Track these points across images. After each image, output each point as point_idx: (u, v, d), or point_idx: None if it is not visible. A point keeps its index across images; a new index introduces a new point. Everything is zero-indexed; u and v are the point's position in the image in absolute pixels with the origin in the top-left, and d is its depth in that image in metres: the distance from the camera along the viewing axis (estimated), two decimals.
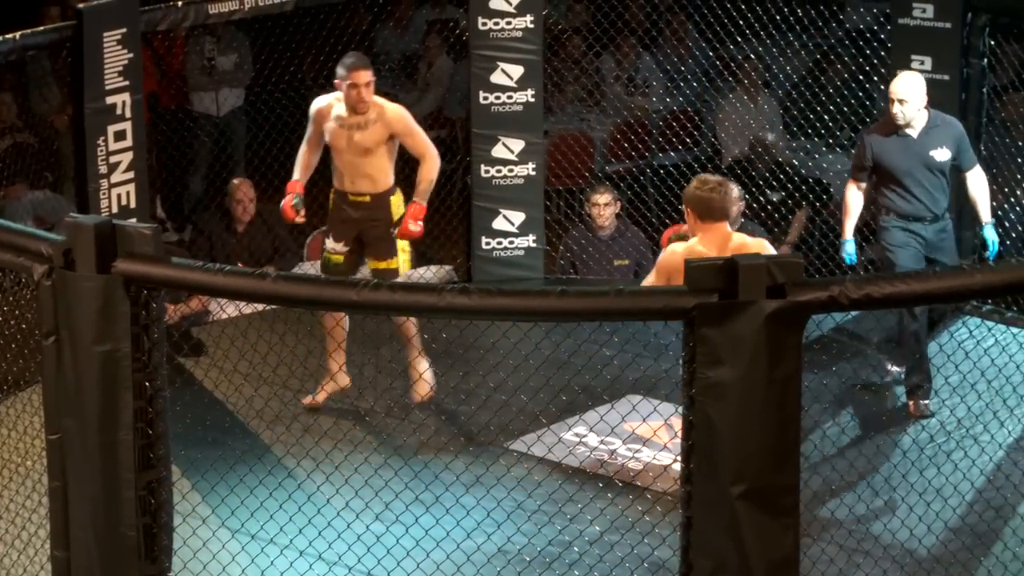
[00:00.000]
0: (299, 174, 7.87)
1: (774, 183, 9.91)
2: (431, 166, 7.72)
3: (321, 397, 7.77)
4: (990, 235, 7.82)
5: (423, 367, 7.72)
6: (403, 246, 7.92)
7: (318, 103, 7.83)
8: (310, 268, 9.50)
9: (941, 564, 6.37)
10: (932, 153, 7.70)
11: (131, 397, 4.65)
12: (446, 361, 8.12)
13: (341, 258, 7.82)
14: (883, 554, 6.41)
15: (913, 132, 7.71)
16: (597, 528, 6.60)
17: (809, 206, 9.71)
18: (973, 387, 7.36)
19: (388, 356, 8.10)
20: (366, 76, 7.64)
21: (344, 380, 7.80)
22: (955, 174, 7.84)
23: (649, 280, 6.56)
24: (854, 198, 7.97)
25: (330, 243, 7.88)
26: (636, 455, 7.18)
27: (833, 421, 7.46)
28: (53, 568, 4.90)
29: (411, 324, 7.72)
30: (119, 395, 4.64)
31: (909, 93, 7.65)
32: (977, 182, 7.85)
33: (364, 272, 8.00)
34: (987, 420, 7.31)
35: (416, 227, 7.68)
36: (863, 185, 7.94)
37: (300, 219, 7.92)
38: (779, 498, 4.31)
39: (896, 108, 7.67)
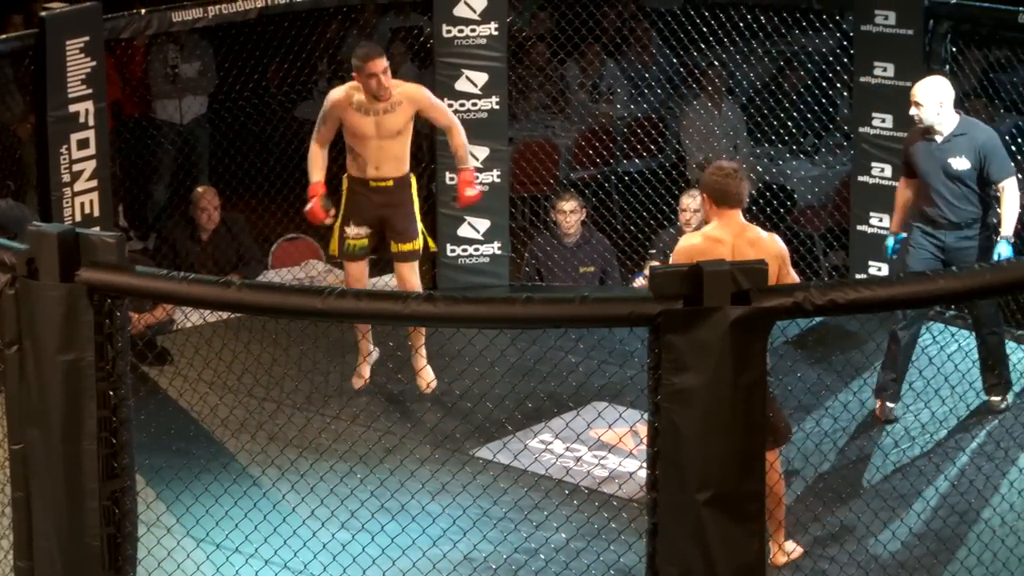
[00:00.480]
0: (318, 175, 7.93)
1: None
2: (459, 131, 7.98)
3: (367, 372, 8.07)
4: (1002, 249, 7.63)
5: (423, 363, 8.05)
6: (420, 227, 8.06)
7: (334, 95, 7.92)
8: (275, 276, 9.48)
9: (906, 569, 6.39)
10: (951, 160, 7.66)
11: (95, 406, 4.63)
12: (411, 368, 8.11)
13: (365, 241, 7.97)
14: (848, 560, 6.42)
15: (938, 138, 7.69)
16: (563, 535, 6.60)
17: (774, 213, 9.73)
18: (937, 392, 7.38)
19: (353, 364, 8.09)
20: (382, 63, 7.77)
21: (375, 354, 8.16)
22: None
23: None
24: (899, 194, 8.00)
25: (352, 229, 7.94)
26: (602, 462, 7.18)
27: (798, 427, 7.48)
28: None
29: (420, 334, 7.99)
30: (83, 404, 4.62)
31: (925, 96, 7.64)
32: (1006, 194, 7.69)
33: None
34: (951, 425, 7.34)
35: (475, 190, 7.98)
36: (910, 181, 7.89)
37: (329, 219, 7.96)
38: (745, 504, 4.32)
39: (913, 111, 7.69)
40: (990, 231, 7.78)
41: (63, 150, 8.27)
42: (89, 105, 8.33)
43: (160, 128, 10.51)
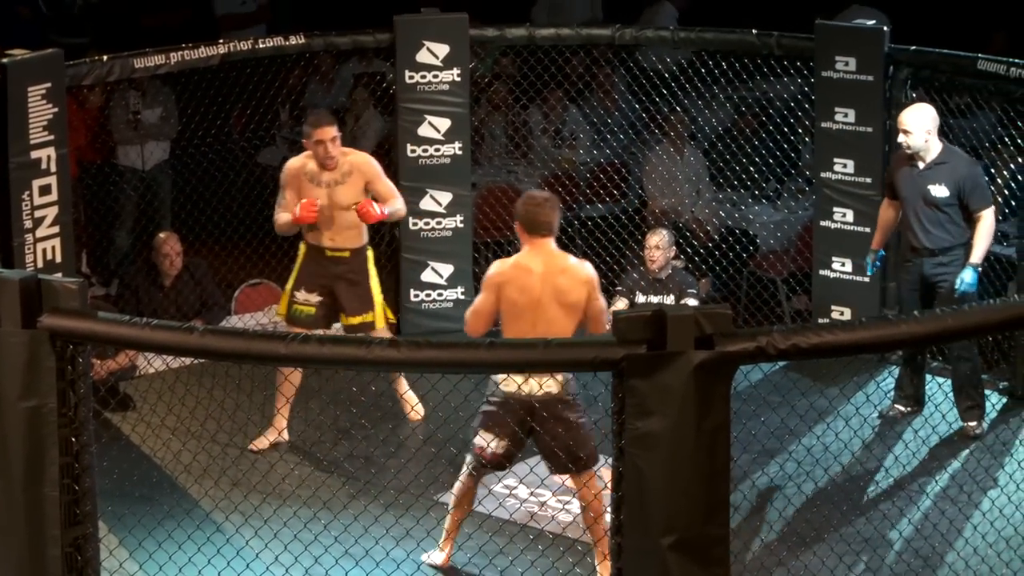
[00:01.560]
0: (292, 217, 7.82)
1: (694, 240, 9.97)
2: (400, 205, 7.98)
3: (266, 444, 7.85)
4: (965, 275, 7.78)
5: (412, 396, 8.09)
6: (378, 299, 7.97)
7: (290, 165, 7.88)
8: (238, 322, 9.46)
9: None
10: (930, 188, 7.84)
11: (57, 453, 4.61)
12: (375, 414, 8.10)
13: (313, 309, 7.87)
14: None
15: (920, 164, 7.87)
16: None
17: (736, 257, 9.77)
18: (900, 436, 7.41)
19: (317, 409, 8.07)
20: (331, 131, 7.73)
21: (285, 435, 7.96)
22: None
23: (480, 297, 6.61)
24: (882, 213, 8.24)
25: (302, 294, 7.88)
26: (566, 507, 7.17)
27: (762, 471, 7.49)
28: None
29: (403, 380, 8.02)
30: (45, 451, 4.60)
31: (913, 124, 7.84)
32: (981, 223, 7.83)
33: (336, 328, 8.08)
34: (914, 468, 7.36)
35: (376, 210, 7.77)
36: (893, 202, 8.11)
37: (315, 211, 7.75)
38: (709, 549, 4.32)
39: (901, 138, 7.89)
40: (965, 261, 7.87)
41: (25, 196, 8.24)
42: (51, 151, 8.31)
43: (122, 174, 10.49)
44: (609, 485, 4.45)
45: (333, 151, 7.71)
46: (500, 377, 6.47)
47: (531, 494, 7.24)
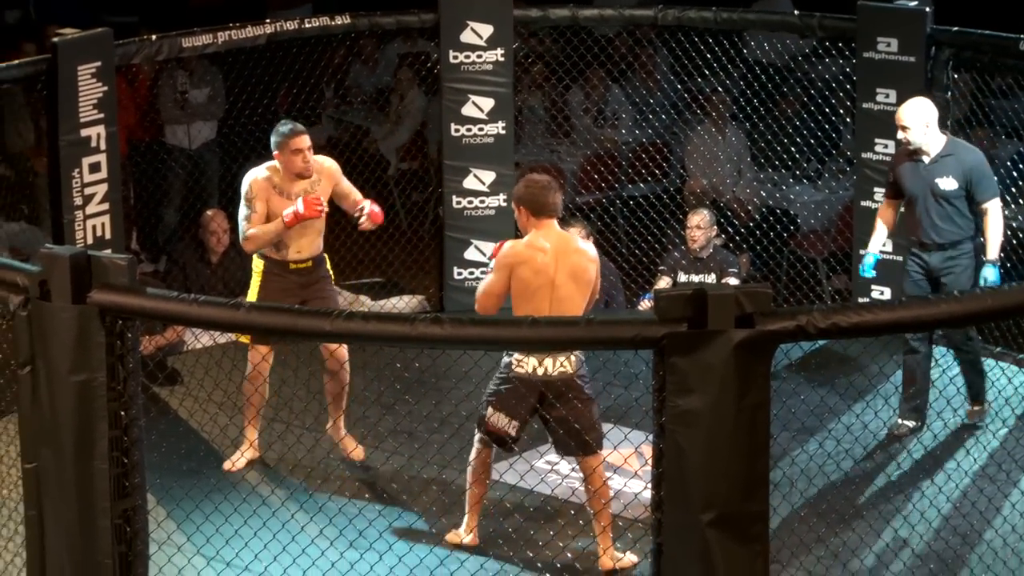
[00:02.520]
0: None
1: (735, 220, 9.95)
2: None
3: (242, 463, 7.48)
4: (987, 273, 7.66)
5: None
6: (347, 301, 7.71)
7: (256, 177, 7.40)
8: None
9: None
10: (938, 181, 7.69)
11: (107, 426, 4.65)
12: (419, 390, 8.12)
13: None
14: None
15: (925, 158, 7.74)
16: (569, 555, 6.60)
17: (777, 237, 9.74)
18: (939, 415, 7.38)
19: (361, 385, 8.09)
20: (307, 139, 7.39)
21: (257, 451, 7.55)
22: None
23: (491, 277, 6.56)
24: (881, 214, 8.07)
25: None
26: (607, 482, 7.18)
27: (802, 448, 7.48)
28: None
29: (339, 407, 7.55)
30: (95, 424, 4.64)
31: (911, 119, 7.70)
32: (989, 216, 7.69)
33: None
34: (954, 447, 7.34)
35: (379, 208, 7.53)
36: (892, 202, 7.97)
37: (324, 207, 7.41)
38: (749, 525, 4.32)
39: (900, 135, 7.77)
40: (976, 252, 7.79)
41: (75, 173, 8.29)
42: (101, 129, 8.35)
43: (170, 152, 10.54)
44: (650, 462, 4.46)
45: (311, 158, 7.37)
46: (514, 357, 6.47)
47: (573, 470, 7.25)
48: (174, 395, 8.26)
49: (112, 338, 4.63)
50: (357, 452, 7.52)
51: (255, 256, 7.48)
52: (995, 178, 7.84)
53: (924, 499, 6.81)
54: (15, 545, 5.65)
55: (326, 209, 7.42)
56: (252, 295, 7.49)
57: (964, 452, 7.33)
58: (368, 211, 7.50)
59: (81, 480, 4.68)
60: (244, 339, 7.45)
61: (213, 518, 6.47)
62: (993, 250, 7.69)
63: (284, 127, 7.42)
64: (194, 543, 6.54)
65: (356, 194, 7.61)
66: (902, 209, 7.91)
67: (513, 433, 6.55)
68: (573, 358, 6.46)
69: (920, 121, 7.68)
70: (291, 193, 7.35)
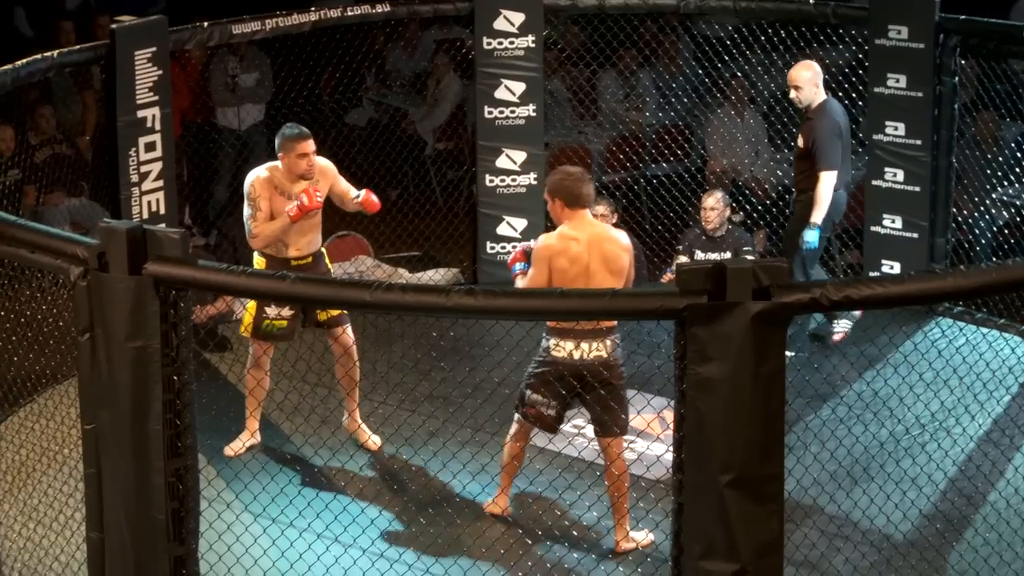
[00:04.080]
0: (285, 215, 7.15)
1: (752, 198, 9.91)
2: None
3: (241, 449, 7.25)
4: (806, 235, 8.21)
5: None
6: None
7: (258, 176, 7.18)
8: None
9: (916, 548, 6.38)
10: (799, 135, 8.33)
11: (161, 390, 4.66)
12: (453, 357, 8.12)
13: (285, 323, 7.21)
14: (862, 539, 6.41)
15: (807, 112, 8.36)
16: (594, 514, 6.60)
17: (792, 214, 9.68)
18: (946, 383, 7.36)
19: (399, 353, 8.11)
20: (312, 143, 7.19)
21: (257, 438, 7.34)
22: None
23: (532, 273, 6.43)
24: None
25: (273, 309, 7.18)
26: (631, 446, 7.18)
27: (815, 414, 7.46)
28: (88, 548, 4.91)
29: (353, 400, 7.37)
30: (150, 388, 4.65)
31: (801, 80, 8.26)
32: (818, 184, 8.21)
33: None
34: (959, 414, 7.31)
35: (376, 198, 7.29)
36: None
37: (320, 198, 7.15)
38: (764, 486, 4.32)
39: (792, 94, 8.33)
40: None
41: (132, 152, 8.31)
42: (156, 111, 8.37)
43: (221, 133, 10.55)
44: (671, 426, 4.45)
45: (315, 161, 7.19)
46: (552, 341, 6.42)
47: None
48: (224, 361, 8.29)
49: (166, 307, 4.64)
50: (371, 443, 7.30)
51: (256, 255, 7.25)
52: (836, 152, 8.22)
53: (932, 462, 6.78)
54: (75, 501, 5.69)
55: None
56: None
57: (969, 418, 7.30)
58: (363, 198, 7.26)
59: (137, 440, 4.70)
60: (245, 332, 7.27)
61: (260, 477, 6.49)
62: (815, 214, 8.19)
63: (291, 130, 7.20)
64: (242, 500, 6.57)
65: (353, 191, 7.38)
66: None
67: (553, 413, 6.46)
68: (608, 342, 6.40)
69: (807, 82, 8.23)
70: (292, 193, 7.13)
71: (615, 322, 6.35)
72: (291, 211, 7.08)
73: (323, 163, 7.31)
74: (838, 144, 8.24)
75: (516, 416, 6.57)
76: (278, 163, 7.21)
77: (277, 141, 7.21)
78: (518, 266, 6.59)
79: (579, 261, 6.36)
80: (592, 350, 6.37)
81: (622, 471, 6.45)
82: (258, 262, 7.25)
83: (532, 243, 6.57)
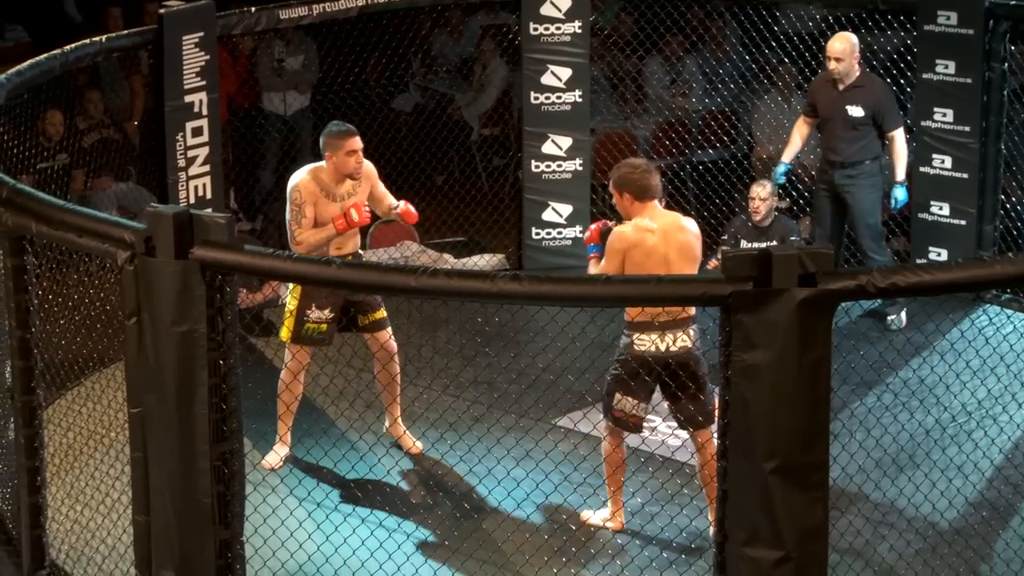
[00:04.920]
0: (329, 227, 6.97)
1: (799, 184, 9.86)
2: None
3: (277, 461, 7.02)
4: (897, 193, 8.40)
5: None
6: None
7: (304, 182, 6.98)
8: (372, 256, 9.52)
9: (962, 536, 6.34)
10: (848, 108, 8.38)
11: (206, 374, 4.68)
12: (498, 343, 8.13)
13: (325, 326, 7.03)
14: (907, 527, 6.38)
15: (841, 86, 8.45)
16: (639, 500, 6.60)
17: None
18: (993, 371, 7.30)
19: (444, 338, 8.12)
20: (360, 140, 7.03)
21: (287, 447, 7.11)
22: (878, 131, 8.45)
23: (604, 264, 6.38)
24: (796, 129, 8.80)
25: (314, 313, 6.99)
26: (675, 432, 7.16)
27: (860, 401, 7.43)
28: (135, 531, 4.94)
29: (396, 405, 7.25)
30: (195, 372, 4.67)
31: (842, 52, 8.35)
32: (895, 144, 8.38)
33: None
34: (1006, 402, 7.26)
35: (414, 209, 7.16)
36: (809, 120, 8.71)
37: (367, 211, 7.06)
38: (809, 473, 4.30)
39: (832, 65, 8.42)
40: (881, 174, 8.49)
41: (179, 137, 8.34)
42: (203, 96, 8.40)
43: (267, 118, 10.58)
44: (716, 413, 4.44)
45: (362, 159, 7.04)
46: (633, 337, 6.29)
47: (664, 420, 7.23)
48: (269, 346, 8.32)
49: (212, 291, 4.66)
50: (414, 448, 7.17)
51: None
52: (900, 111, 8.52)
53: (978, 450, 6.74)
54: (122, 484, 5.72)
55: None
56: (294, 297, 7.03)
57: (1016, 406, 7.25)
58: (402, 210, 7.15)
59: (183, 424, 4.72)
60: (286, 338, 7.07)
61: (304, 461, 6.51)
62: (900, 172, 8.38)
63: (338, 127, 7.06)
64: (287, 484, 6.60)
65: (390, 198, 7.25)
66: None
67: (642, 414, 6.37)
68: (692, 331, 6.30)
69: (851, 54, 8.32)
70: (336, 195, 6.97)
71: (694, 310, 6.29)
72: (339, 224, 6.89)
73: (366, 165, 7.14)
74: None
75: (605, 423, 6.45)
76: (322, 163, 7.04)
77: (323, 140, 7.05)
78: (593, 247, 6.53)
79: (656, 253, 6.27)
80: (677, 340, 6.29)
81: (709, 458, 6.30)
82: None
83: (611, 223, 6.52)
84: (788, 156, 8.73)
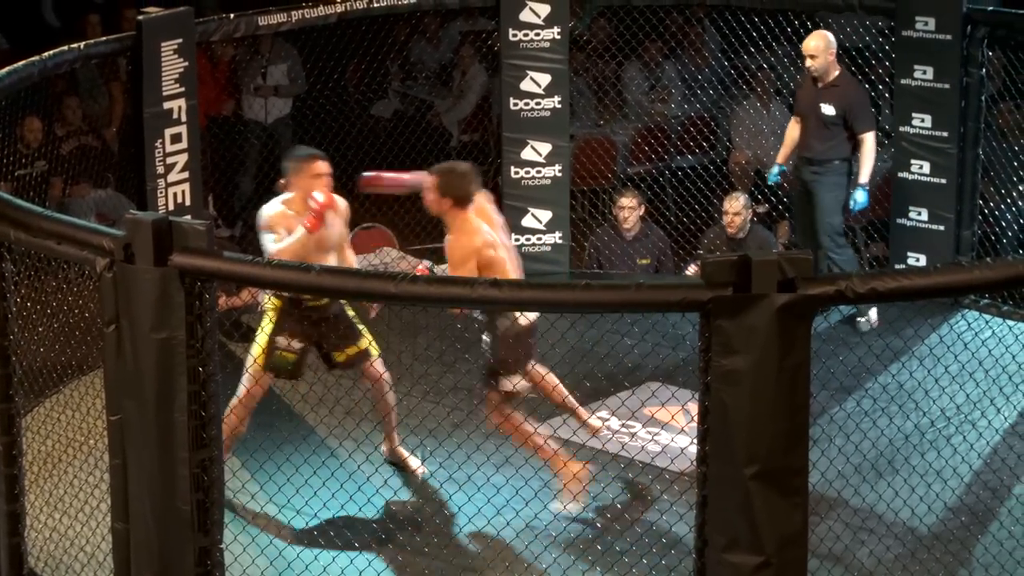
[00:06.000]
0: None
1: (778, 190, 9.89)
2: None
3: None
4: (857, 195, 8.44)
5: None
6: (361, 327, 7.07)
7: (274, 210, 6.87)
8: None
9: (941, 541, 6.36)
10: (822, 105, 8.43)
11: (186, 381, 4.67)
12: (478, 348, 8.11)
13: (294, 356, 6.88)
14: (886, 532, 6.39)
15: (819, 84, 8.50)
16: (619, 505, 6.60)
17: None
18: (971, 376, 7.32)
19: (424, 344, 8.11)
20: (327, 164, 6.90)
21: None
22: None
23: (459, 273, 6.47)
24: (789, 130, 8.83)
25: (283, 340, 6.84)
26: (655, 438, 7.17)
27: (840, 406, 7.44)
28: (114, 539, 4.93)
29: (392, 425, 7.14)
30: (175, 379, 4.67)
31: (817, 50, 8.40)
32: (864, 146, 8.41)
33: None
34: (984, 407, 7.28)
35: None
36: (799, 119, 8.73)
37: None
38: (789, 479, 4.31)
39: (808, 63, 8.46)
40: (849, 174, 8.52)
41: (158, 144, 8.33)
42: (182, 102, 8.38)
43: (247, 125, 10.56)
44: (695, 418, 4.44)
45: (330, 183, 6.90)
46: (513, 317, 6.50)
47: (622, 426, 7.24)
48: (248, 352, 8.28)
49: (191, 298, 4.65)
50: (419, 471, 7.05)
51: (269, 299, 6.88)
52: (873, 113, 8.60)
53: (957, 455, 6.76)
54: (100, 492, 5.70)
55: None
56: (268, 324, 6.86)
57: (995, 411, 7.27)
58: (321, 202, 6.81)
59: (162, 431, 4.71)
60: (256, 365, 6.82)
61: (284, 468, 6.50)
62: (864, 175, 8.40)
63: (304, 152, 6.96)
64: (266, 491, 6.58)
65: (348, 245, 7.14)
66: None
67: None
68: None
69: (824, 51, 8.36)
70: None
71: None
72: (308, 222, 6.75)
73: (341, 201, 7.00)
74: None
75: (503, 406, 6.65)
76: (288, 195, 6.90)
77: (288, 166, 6.92)
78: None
79: (496, 244, 6.52)
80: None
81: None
82: (270, 295, 6.86)
83: (430, 264, 6.82)
84: (782, 157, 8.78)
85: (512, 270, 6.57)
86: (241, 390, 6.84)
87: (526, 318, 6.54)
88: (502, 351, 6.53)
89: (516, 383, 6.57)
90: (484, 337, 6.58)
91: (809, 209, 8.59)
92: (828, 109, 8.41)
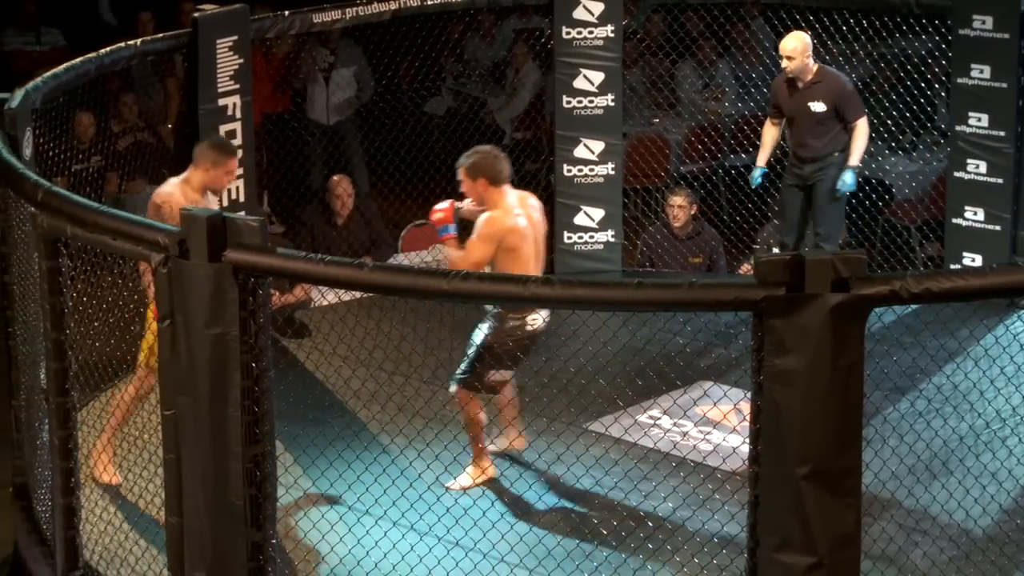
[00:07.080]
0: None
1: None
2: None
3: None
4: (845, 176, 8.42)
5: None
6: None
7: (173, 195, 6.66)
8: (404, 259, 9.53)
9: (995, 543, 6.31)
10: (811, 104, 8.43)
11: (239, 377, 4.69)
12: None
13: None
14: (940, 533, 6.35)
15: (800, 84, 8.52)
16: (670, 505, 6.59)
17: (872, 205, 9.61)
18: None
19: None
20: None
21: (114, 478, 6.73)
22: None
23: (477, 247, 6.52)
24: (766, 132, 8.88)
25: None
26: (707, 437, 7.15)
27: (893, 407, 7.40)
28: (168, 533, 4.96)
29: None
30: (228, 375, 4.69)
31: (793, 51, 8.41)
32: (856, 131, 8.42)
33: None
34: None
35: None
36: (776, 121, 8.78)
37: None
38: (842, 479, 4.29)
39: (784, 63, 8.48)
40: (843, 163, 8.49)
41: None
42: (236, 99, 8.43)
43: (300, 121, 10.59)
44: (748, 418, 4.43)
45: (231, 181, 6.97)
46: (508, 316, 6.58)
47: (674, 424, 7.23)
48: (301, 348, 8.33)
49: (245, 294, 4.68)
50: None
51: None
52: (860, 99, 8.59)
53: (1012, 457, 6.71)
54: (155, 486, 5.74)
55: None
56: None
57: None
58: None
59: (215, 426, 4.74)
60: (147, 360, 6.58)
61: (336, 464, 6.53)
62: (855, 158, 8.43)
63: (225, 143, 6.98)
64: (318, 487, 6.61)
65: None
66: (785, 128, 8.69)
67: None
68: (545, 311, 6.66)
69: (802, 53, 8.38)
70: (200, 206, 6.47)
71: None
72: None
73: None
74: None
75: (467, 391, 6.77)
76: (186, 175, 6.77)
77: (203, 151, 6.77)
78: (446, 228, 6.59)
79: (528, 236, 6.55)
80: (539, 319, 6.67)
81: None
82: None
83: (459, 203, 6.63)
84: (762, 160, 8.79)
85: (531, 270, 6.60)
86: (139, 386, 6.66)
87: (533, 324, 6.55)
88: (499, 343, 6.61)
89: (498, 376, 6.68)
90: (487, 321, 6.67)
91: (806, 205, 8.60)
92: (818, 106, 8.42)
